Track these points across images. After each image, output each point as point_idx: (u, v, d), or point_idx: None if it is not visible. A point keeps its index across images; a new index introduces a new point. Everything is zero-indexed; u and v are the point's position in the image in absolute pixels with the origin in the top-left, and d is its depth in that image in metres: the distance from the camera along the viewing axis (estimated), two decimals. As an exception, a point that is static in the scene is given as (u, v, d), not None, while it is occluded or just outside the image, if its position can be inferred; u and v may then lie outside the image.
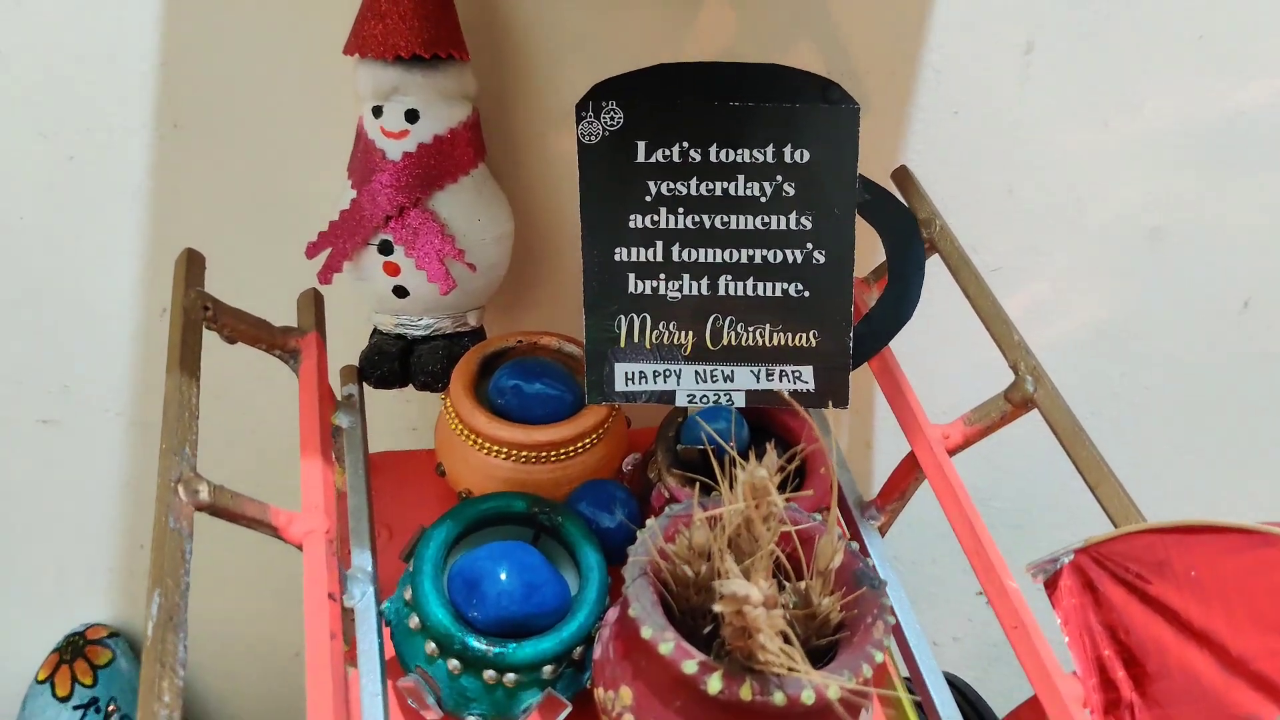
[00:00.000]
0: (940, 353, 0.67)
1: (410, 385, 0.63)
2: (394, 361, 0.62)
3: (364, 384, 0.63)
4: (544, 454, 0.56)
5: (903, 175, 0.62)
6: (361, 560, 0.52)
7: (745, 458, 0.56)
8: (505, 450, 0.55)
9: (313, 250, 0.60)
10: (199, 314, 0.50)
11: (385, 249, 0.59)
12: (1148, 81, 0.62)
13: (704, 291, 0.56)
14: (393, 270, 0.59)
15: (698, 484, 0.53)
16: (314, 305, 0.57)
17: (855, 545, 0.50)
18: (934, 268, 0.58)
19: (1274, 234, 0.66)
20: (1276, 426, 0.73)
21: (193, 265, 0.53)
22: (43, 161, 0.71)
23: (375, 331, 0.64)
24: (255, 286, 0.72)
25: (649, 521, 0.50)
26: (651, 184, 0.55)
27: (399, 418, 0.77)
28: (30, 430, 0.78)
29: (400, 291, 0.60)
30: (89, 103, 0.69)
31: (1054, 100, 0.63)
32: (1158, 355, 0.68)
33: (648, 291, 0.56)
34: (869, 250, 0.60)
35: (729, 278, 0.56)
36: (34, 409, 0.78)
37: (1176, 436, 0.70)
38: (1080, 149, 0.64)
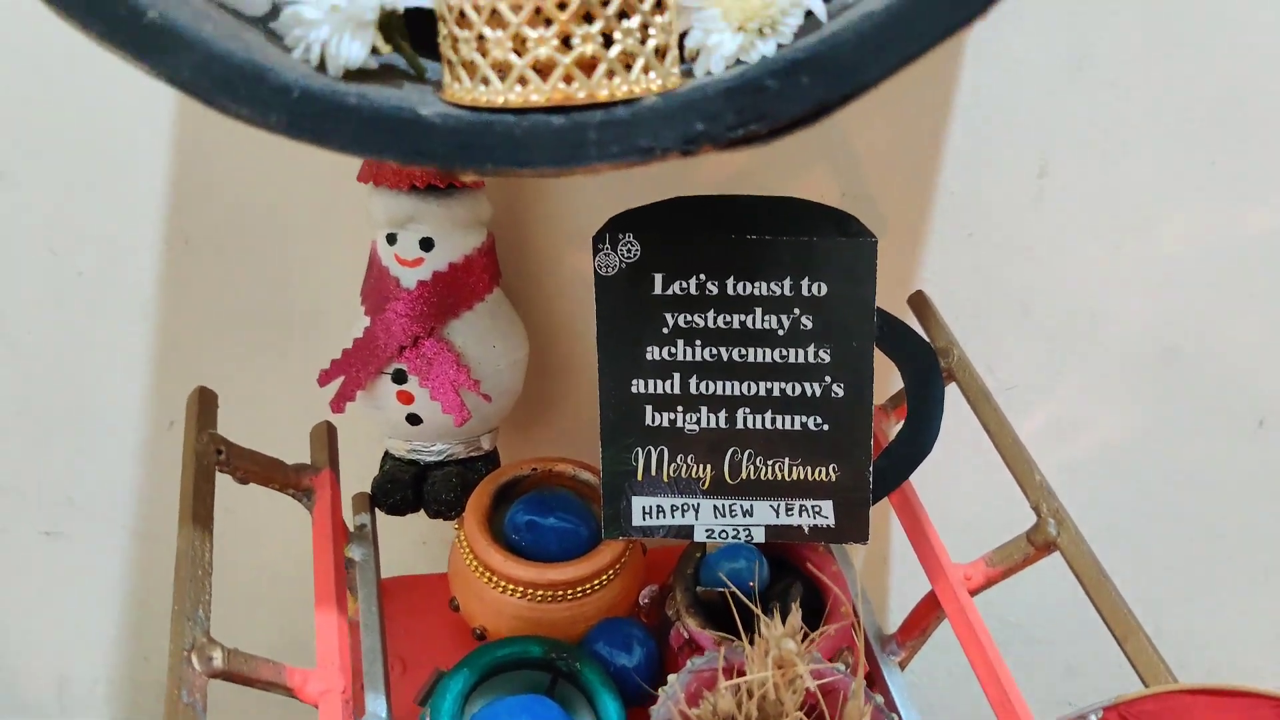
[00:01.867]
0: (958, 480, 0.66)
1: (422, 510, 0.63)
2: (407, 489, 0.61)
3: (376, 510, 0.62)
4: (561, 593, 0.55)
5: (919, 301, 0.62)
6: (376, 706, 0.51)
7: (766, 597, 0.56)
8: (521, 589, 0.55)
9: (325, 378, 0.60)
10: (212, 459, 0.50)
11: (399, 378, 0.58)
12: (1160, 205, 0.62)
13: (722, 424, 0.55)
14: (406, 399, 0.59)
15: (721, 643, 0.51)
16: (327, 440, 0.57)
17: (880, 699, 0.50)
18: (952, 393, 0.58)
19: (1289, 352, 0.66)
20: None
21: (205, 405, 0.52)
22: (52, 276, 0.71)
23: (387, 456, 0.63)
24: (263, 405, 0.72)
25: (670, 679, 0.49)
26: (669, 316, 0.55)
27: (410, 530, 0.76)
28: (34, 541, 0.77)
29: (414, 419, 0.59)
30: (99, 219, 0.69)
31: (1068, 222, 0.63)
32: (1174, 474, 0.68)
33: (665, 424, 0.55)
34: (885, 376, 0.59)
35: (747, 411, 0.55)
36: (38, 521, 0.77)
37: (1194, 554, 0.70)
38: (1094, 269, 0.64)
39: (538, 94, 0.31)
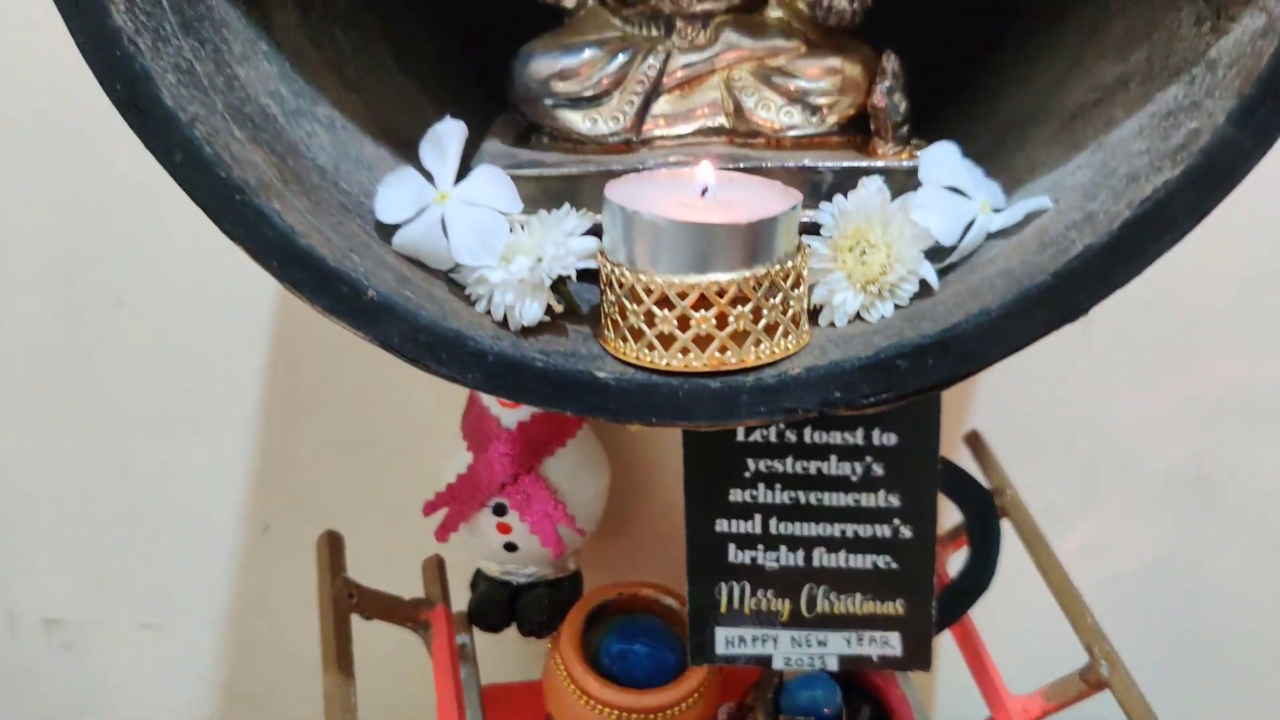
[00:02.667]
0: (1010, 610, 0.71)
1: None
2: (503, 610, 0.66)
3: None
4: (651, 715, 0.60)
5: (975, 441, 0.67)
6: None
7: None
8: (615, 713, 0.60)
9: (430, 509, 0.65)
10: (346, 602, 0.55)
11: (499, 510, 0.64)
12: (1195, 349, 0.68)
13: (799, 563, 0.60)
14: (505, 529, 0.64)
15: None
16: (438, 574, 0.62)
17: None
18: (1006, 526, 0.63)
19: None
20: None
21: (334, 550, 0.57)
22: (161, 393, 0.76)
23: (480, 576, 0.68)
24: (354, 517, 0.77)
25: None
26: (750, 461, 0.60)
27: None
28: (132, 633, 0.83)
29: (510, 547, 0.65)
30: (208, 344, 0.74)
31: (1112, 364, 0.69)
32: (1207, 590, 0.73)
33: (746, 561, 0.60)
34: (943, 507, 0.64)
35: (823, 550, 0.60)
36: (137, 613, 0.82)
37: (1227, 665, 0.75)
38: (1135, 406, 0.70)
39: (697, 361, 0.37)
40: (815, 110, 0.44)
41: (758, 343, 0.37)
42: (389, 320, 0.37)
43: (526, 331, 0.39)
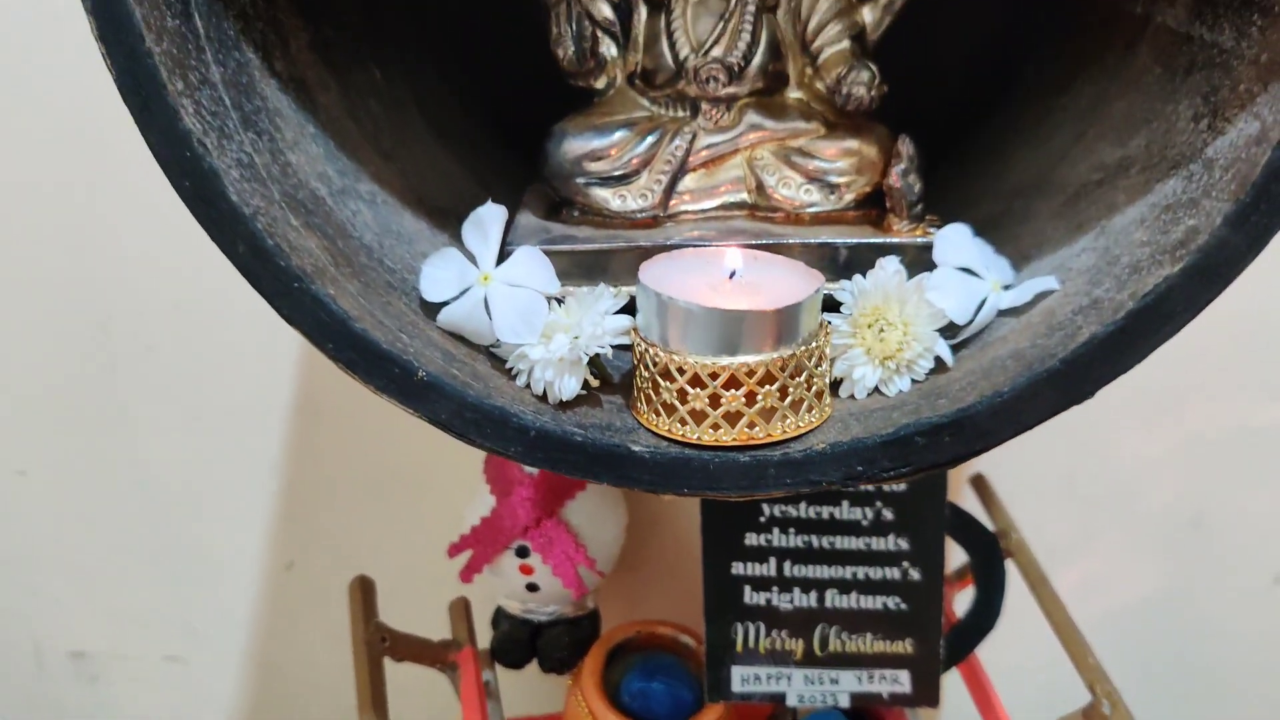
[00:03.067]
0: (1014, 646, 0.74)
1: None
2: (525, 648, 0.68)
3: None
4: (670, 752, 0.63)
5: (980, 484, 0.70)
6: None
7: (850, 755, 0.64)
8: (636, 749, 0.62)
9: (454, 551, 0.67)
10: (379, 646, 0.57)
11: (522, 553, 0.66)
12: (1189, 395, 0.71)
13: (812, 604, 0.63)
14: (527, 570, 0.66)
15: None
16: (465, 616, 0.64)
17: None
18: (1011, 567, 0.66)
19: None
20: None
21: (366, 594, 0.60)
22: (189, 432, 0.78)
23: (502, 614, 0.70)
24: (374, 553, 0.79)
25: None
26: (765, 506, 0.62)
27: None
28: (157, 666, 0.85)
29: (532, 587, 0.67)
30: (234, 388, 0.77)
31: (1110, 407, 0.71)
32: (1198, 625, 0.76)
33: (761, 603, 0.63)
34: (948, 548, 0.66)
35: (835, 592, 0.63)
36: (161, 645, 0.84)
37: (1221, 702, 0.78)
38: (1131, 449, 0.72)
39: (727, 436, 0.39)
40: (834, 188, 0.46)
41: (784, 418, 0.39)
42: (437, 399, 0.39)
43: (564, 405, 0.41)
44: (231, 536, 0.81)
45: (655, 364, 0.40)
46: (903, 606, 0.63)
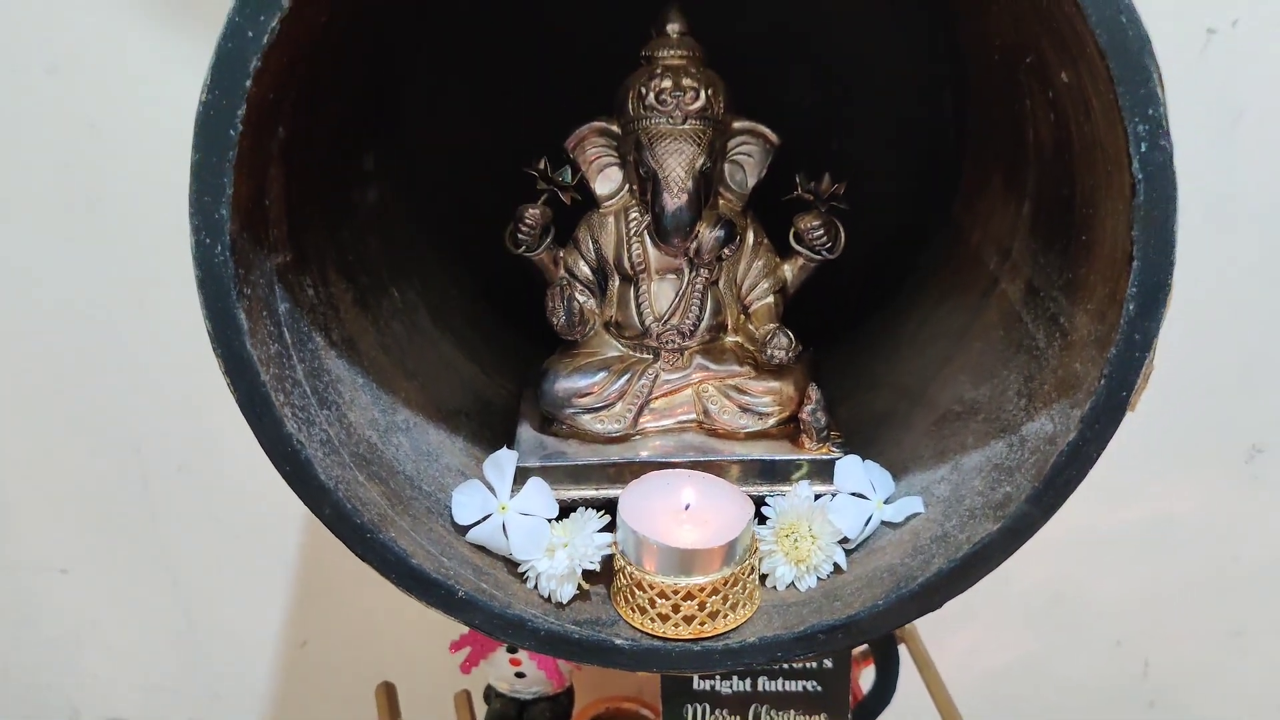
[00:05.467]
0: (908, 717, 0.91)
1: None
2: (513, 722, 0.83)
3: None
4: (635, 810, 0.78)
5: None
6: None
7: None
8: (608, 809, 0.78)
9: (455, 647, 0.81)
10: (403, 743, 0.71)
11: (512, 649, 0.80)
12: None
13: (748, 688, 0.78)
14: (516, 663, 0.81)
15: None
16: (468, 706, 0.79)
17: None
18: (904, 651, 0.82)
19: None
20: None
21: (390, 699, 0.73)
22: (217, 534, 0.91)
23: (493, 692, 0.85)
24: (384, 636, 0.93)
25: None
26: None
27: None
28: (184, 728, 0.98)
29: (520, 674, 0.82)
30: (273, 497, 0.90)
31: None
32: (1056, 681, 0.93)
33: (707, 688, 0.78)
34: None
35: (765, 679, 0.78)
36: (186, 711, 0.97)
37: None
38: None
39: (685, 632, 0.54)
40: (761, 415, 0.60)
41: (725, 616, 0.54)
42: (473, 610, 0.53)
43: (562, 605, 0.55)
44: (252, 617, 0.94)
45: (632, 577, 0.54)
46: (818, 688, 0.79)
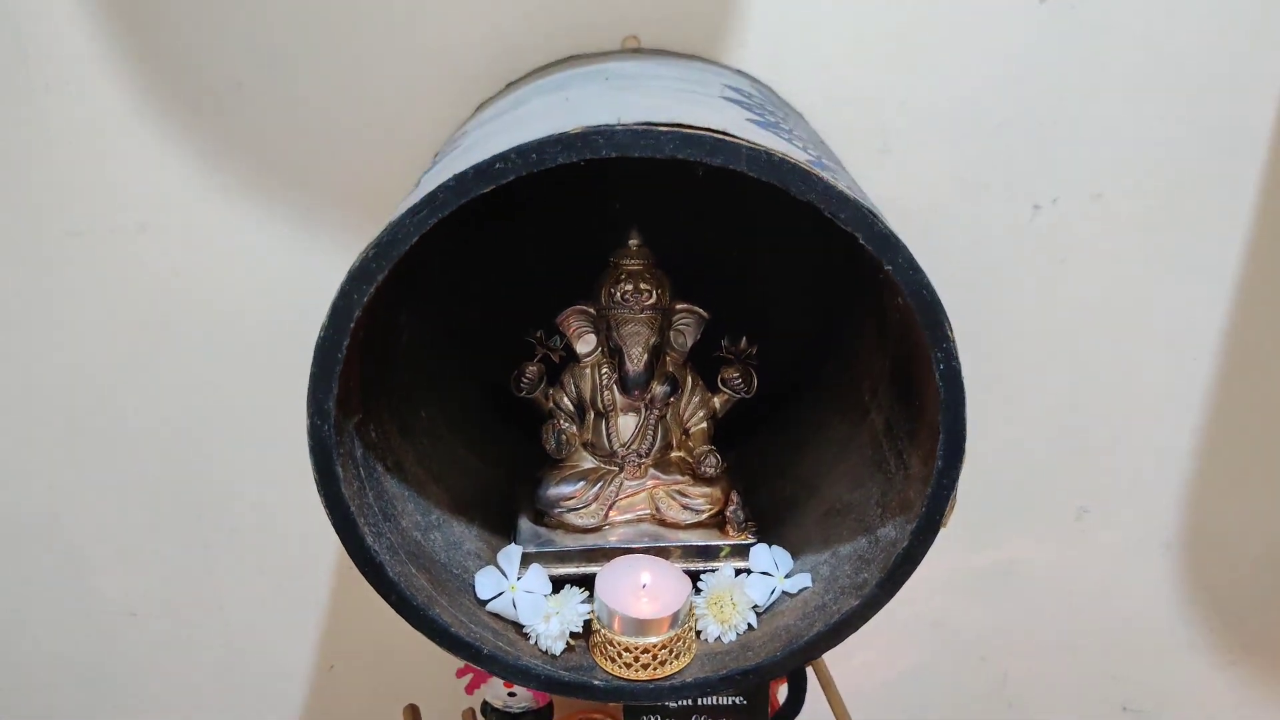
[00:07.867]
0: None
1: (511, 738, 1.07)
2: (506, 731, 1.05)
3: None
4: (603, 798, 1.01)
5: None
6: None
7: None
8: (583, 798, 1.00)
9: (461, 673, 1.03)
10: (427, 752, 0.93)
11: (505, 674, 1.02)
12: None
13: (689, 703, 1.01)
14: (509, 685, 1.03)
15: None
16: (473, 721, 1.00)
17: None
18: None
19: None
20: None
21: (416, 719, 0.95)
22: (239, 574, 1.11)
23: (489, 707, 1.07)
24: (404, 658, 1.14)
25: None
26: (660, 643, 1.00)
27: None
28: (230, 738, 1.18)
29: (512, 694, 1.04)
30: (306, 538, 1.10)
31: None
32: (946, 692, 1.18)
33: (658, 704, 1.01)
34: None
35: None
36: (233, 724, 1.18)
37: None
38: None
39: (643, 675, 0.76)
40: (698, 512, 0.83)
41: (671, 664, 0.77)
42: (494, 663, 0.75)
43: (555, 657, 0.77)
44: (284, 642, 1.15)
45: (605, 637, 0.77)
46: (744, 702, 1.02)
